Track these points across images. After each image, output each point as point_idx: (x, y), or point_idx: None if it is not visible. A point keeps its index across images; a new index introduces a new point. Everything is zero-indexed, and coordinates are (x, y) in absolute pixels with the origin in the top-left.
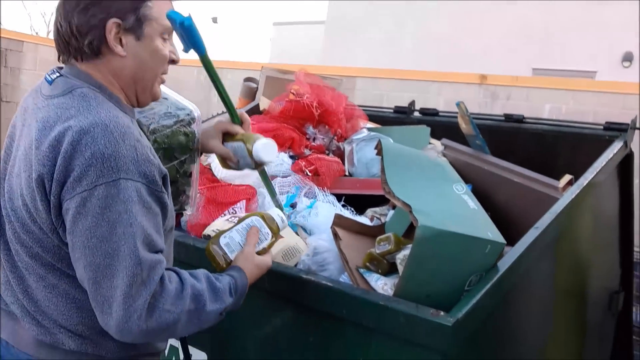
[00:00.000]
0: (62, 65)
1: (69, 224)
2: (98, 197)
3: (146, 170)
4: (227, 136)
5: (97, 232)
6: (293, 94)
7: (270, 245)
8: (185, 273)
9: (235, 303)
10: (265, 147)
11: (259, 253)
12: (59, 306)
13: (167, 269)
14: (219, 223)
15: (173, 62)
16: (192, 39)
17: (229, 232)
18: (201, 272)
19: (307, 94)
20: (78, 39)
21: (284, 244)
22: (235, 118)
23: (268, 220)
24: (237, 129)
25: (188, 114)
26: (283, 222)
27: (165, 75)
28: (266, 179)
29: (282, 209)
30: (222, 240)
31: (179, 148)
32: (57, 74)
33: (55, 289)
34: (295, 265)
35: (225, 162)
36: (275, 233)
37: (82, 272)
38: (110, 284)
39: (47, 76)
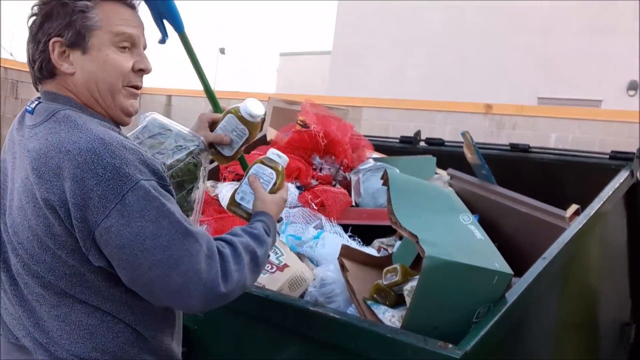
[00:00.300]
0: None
1: (117, 239)
2: (130, 204)
3: (154, 168)
4: (213, 126)
5: (145, 233)
6: (300, 124)
7: (280, 182)
8: (226, 236)
9: (273, 241)
10: (251, 102)
11: (272, 192)
12: (72, 335)
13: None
14: None
15: (141, 71)
16: (168, 13)
17: (239, 187)
18: (237, 228)
19: (313, 124)
20: (33, 67)
21: (290, 273)
22: (217, 108)
23: (268, 162)
24: (220, 116)
25: (197, 145)
26: (280, 157)
27: (174, 106)
28: (245, 165)
29: None
30: (237, 197)
31: (188, 178)
32: (36, 102)
33: (67, 317)
34: (302, 295)
35: (219, 155)
36: (277, 170)
37: (149, 275)
38: (179, 271)
39: (27, 107)
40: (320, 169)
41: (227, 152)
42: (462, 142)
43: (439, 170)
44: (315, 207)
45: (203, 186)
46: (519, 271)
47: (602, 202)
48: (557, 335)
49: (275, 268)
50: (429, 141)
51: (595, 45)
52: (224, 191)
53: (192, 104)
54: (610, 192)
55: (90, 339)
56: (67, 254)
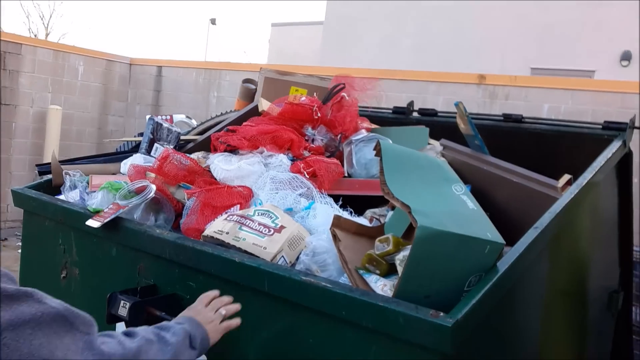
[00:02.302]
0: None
1: None
2: None
3: None
4: None
5: None
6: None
7: None
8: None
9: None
10: None
11: None
12: None
13: None
14: (219, 223)
15: None
16: None
17: None
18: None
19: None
20: None
21: (288, 233)
22: None
23: None
24: None
25: None
26: None
27: (165, 77)
28: None
29: None
30: None
31: None
32: None
33: None
34: (297, 259)
35: None
36: None
37: None
38: None
39: None
40: (313, 140)
41: None
42: (455, 113)
43: (432, 141)
44: (307, 176)
45: None
46: (511, 241)
47: (594, 172)
48: (546, 303)
49: (272, 230)
50: (421, 112)
51: (589, 16)
52: (216, 162)
53: (183, 74)
54: (603, 162)
55: None
56: None
